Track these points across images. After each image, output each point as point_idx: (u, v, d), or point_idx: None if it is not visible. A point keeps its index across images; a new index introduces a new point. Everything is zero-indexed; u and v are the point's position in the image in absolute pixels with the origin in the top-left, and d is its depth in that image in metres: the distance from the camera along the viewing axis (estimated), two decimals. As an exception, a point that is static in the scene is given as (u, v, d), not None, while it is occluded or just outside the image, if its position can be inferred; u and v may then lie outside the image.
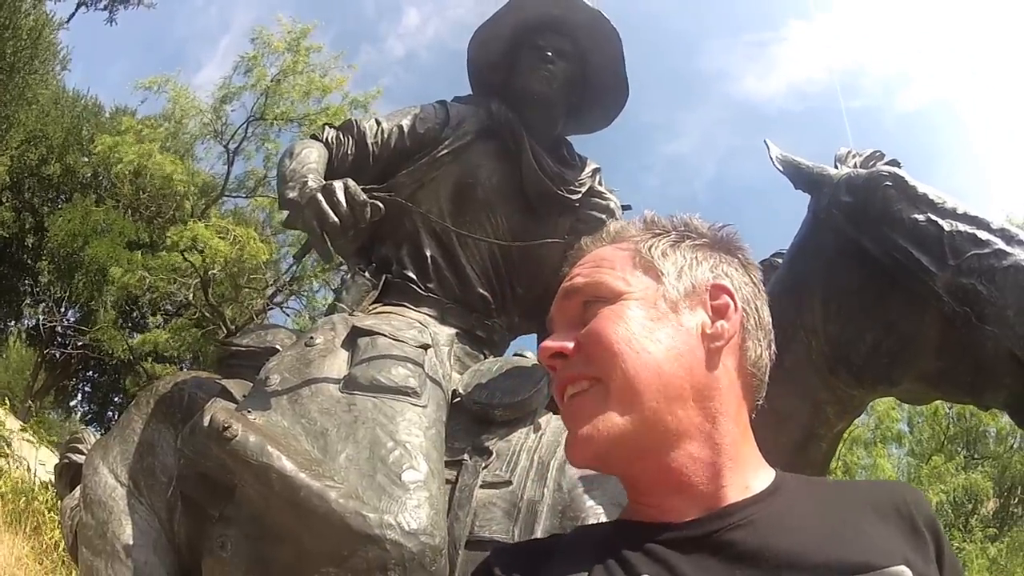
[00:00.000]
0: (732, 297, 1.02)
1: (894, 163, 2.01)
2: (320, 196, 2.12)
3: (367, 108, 15.52)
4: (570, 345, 0.98)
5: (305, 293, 16.59)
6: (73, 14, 16.98)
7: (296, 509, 1.79)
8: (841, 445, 12.94)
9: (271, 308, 17.25)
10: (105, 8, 15.42)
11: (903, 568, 0.87)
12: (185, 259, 14.47)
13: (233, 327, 14.87)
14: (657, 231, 1.07)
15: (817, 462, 1.99)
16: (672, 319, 0.99)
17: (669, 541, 0.90)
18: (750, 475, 0.97)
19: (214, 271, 14.46)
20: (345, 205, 2.10)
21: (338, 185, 2.14)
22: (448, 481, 2.01)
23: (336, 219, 2.09)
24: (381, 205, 2.16)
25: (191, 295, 15.42)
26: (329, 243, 2.13)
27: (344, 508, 1.76)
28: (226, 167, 16.78)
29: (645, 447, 0.94)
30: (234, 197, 17.87)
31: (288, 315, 16.97)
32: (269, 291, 16.61)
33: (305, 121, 15.31)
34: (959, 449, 16.70)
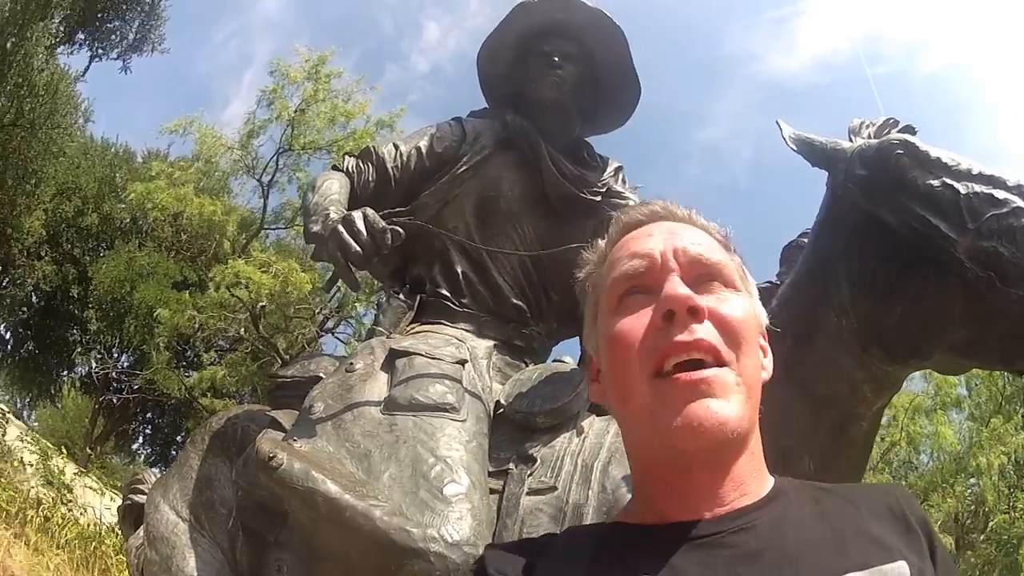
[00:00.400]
0: (767, 343, 1.06)
1: (908, 129, 1.98)
2: (341, 228, 2.18)
3: (393, 127, 15.58)
4: (706, 308, 0.95)
5: (353, 318, 16.65)
6: (88, 67, 17.18)
7: (343, 529, 1.84)
8: (903, 415, 13.00)
9: (322, 335, 17.29)
10: (118, 58, 15.58)
11: (902, 563, 0.89)
12: (232, 295, 14.60)
13: (287, 356, 14.87)
14: (727, 242, 1.09)
15: (859, 442, 1.97)
16: (758, 338, 1.03)
17: (672, 541, 0.91)
18: (758, 484, 0.98)
19: (262, 304, 14.53)
20: (365, 234, 2.16)
21: (357, 215, 2.20)
22: (495, 491, 2.03)
23: (358, 248, 2.15)
24: (400, 230, 2.21)
25: (242, 329, 15.51)
26: (354, 272, 2.20)
27: (388, 524, 1.79)
28: (262, 200, 16.87)
29: (740, 447, 0.95)
30: (274, 229, 17.96)
31: (341, 340, 17.05)
32: (318, 319, 16.64)
33: (333, 147, 15.35)
34: (1017, 408, 16.31)
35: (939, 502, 14.96)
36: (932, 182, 1.76)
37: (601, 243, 1.12)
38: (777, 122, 2.08)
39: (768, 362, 1.05)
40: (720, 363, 0.93)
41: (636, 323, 0.97)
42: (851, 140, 2.01)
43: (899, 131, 1.97)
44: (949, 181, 1.75)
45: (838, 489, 1.04)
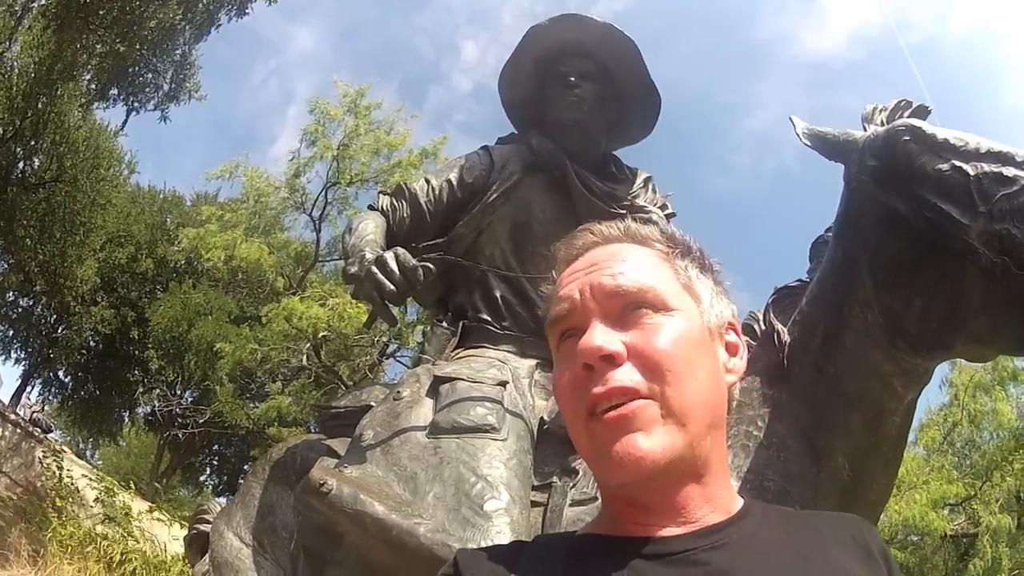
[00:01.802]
0: (739, 336, 1.07)
1: (921, 111, 1.93)
2: (375, 268, 2.27)
3: (437, 156, 15.68)
4: (623, 351, 0.94)
5: (411, 344, 16.64)
6: (125, 121, 17.51)
7: (390, 546, 1.93)
8: (963, 393, 12.88)
9: (385, 360, 17.45)
10: (155, 108, 15.95)
11: None
12: (291, 326, 14.75)
13: (350, 383, 15.05)
14: (678, 246, 1.07)
15: (892, 437, 1.92)
16: (709, 347, 1.01)
17: (645, 556, 0.92)
18: (727, 499, 0.99)
19: (323, 334, 14.71)
20: (398, 273, 2.25)
21: (389, 256, 2.28)
22: (539, 503, 2.10)
23: (392, 287, 2.24)
24: (431, 266, 2.30)
25: (304, 359, 15.66)
26: (391, 308, 2.30)
27: (432, 541, 1.87)
28: (314, 234, 17.09)
29: (684, 472, 0.95)
30: (330, 261, 18.20)
31: (404, 364, 17.05)
32: (379, 345, 16.78)
33: (380, 178, 15.50)
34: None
35: (999, 481, 14.73)
36: (941, 166, 1.71)
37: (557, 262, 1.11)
38: (790, 118, 2.06)
39: (736, 362, 1.05)
40: (650, 396, 0.92)
41: (569, 372, 0.98)
42: (864, 128, 1.97)
43: (911, 112, 1.93)
44: (958, 163, 1.69)
45: (804, 515, 1.09)
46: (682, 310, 0.99)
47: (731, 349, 1.05)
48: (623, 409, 0.91)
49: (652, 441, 0.90)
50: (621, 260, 1.01)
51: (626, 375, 0.93)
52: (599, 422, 0.92)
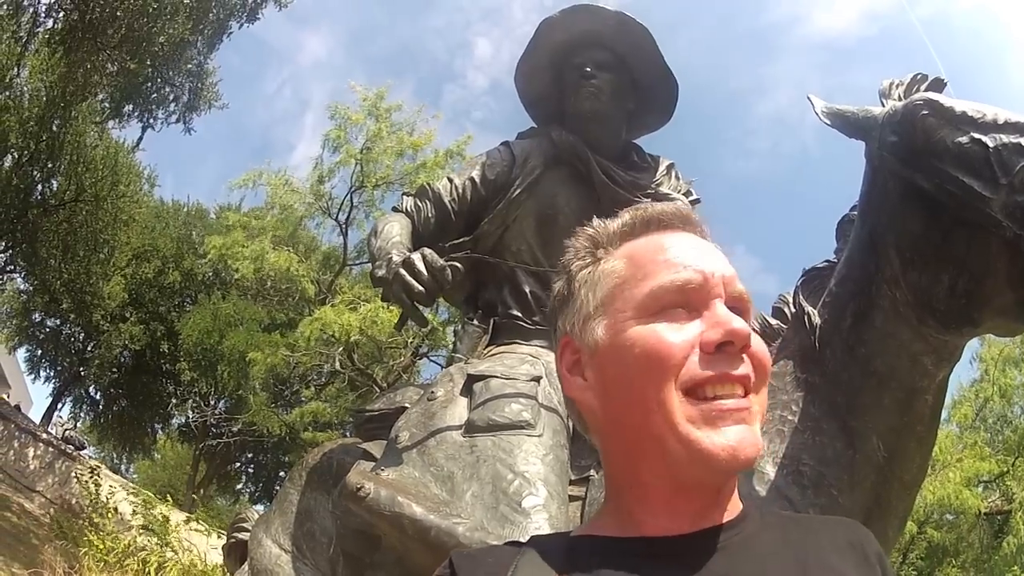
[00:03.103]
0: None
1: (937, 83, 1.91)
2: (403, 270, 2.26)
3: (463, 156, 15.56)
4: (752, 346, 0.95)
5: (444, 343, 16.49)
6: (141, 137, 17.60)
7: (429, 547, 1.92)
8: (993, 368, 12.80)
9: (420, 359, 17.46)
10: (179, 120, 16.06)
11: None
12: (323, 331, 14.71)
13: (384, 385, 15.16)
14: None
15: (924, 416, 1.89)
16: None
17: (643, 556, 0.92)
18: (733, 500, 1.00)
19: (355, 338, 14.67)
20: (426, 274, 2.24)
21: (416, 257, 2.27)
22: (577, 497, 2.11)
23: (421, 288, 2.23)
24: (459, 265, 2.30)
25: (337, 363, 15.70)
26: (421, 310, 2.29)
27: (471, 540, 1.86)
28: (342, 238, 17.14)
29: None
30: (358, 264, 18.18)
31: (437, 363, 17.07)
32: (412, 346, 16.73)
33: (405, 180, 15.46)
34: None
35: None
36: (961, 139, 1.68)
37: (599, 226, 1.08)
38: (808, 97, 2.05)
39: None
40: (748, 394, 0.93)
41: (676, 338, 0.93)
42: (882, 104, 1.95)
43: (928, 86, 1.91)
44: (977, 135, 1.67)
45: (802, 519, 1.10)
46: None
47: None
48: (742, 402, 0.91)
49: (758, 439, 0.91)
50: (726, 260, 1.00)
51: (747, 368, 0.93)
52: (712, 405, 0.90)
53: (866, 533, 1.02)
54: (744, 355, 0.92)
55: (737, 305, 0.96)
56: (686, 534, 0.93)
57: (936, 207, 1.72)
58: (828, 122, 1.99)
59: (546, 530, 1.85)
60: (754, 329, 0.96)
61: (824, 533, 0.99)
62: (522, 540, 1.03)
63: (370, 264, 2.55)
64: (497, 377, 2.28)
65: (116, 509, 13.97)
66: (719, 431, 0.89)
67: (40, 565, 10.22)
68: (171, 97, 16.15)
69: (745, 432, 0.90)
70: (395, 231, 2.58)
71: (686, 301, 0.95)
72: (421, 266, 2.25)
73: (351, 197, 16.56)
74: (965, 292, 1.70)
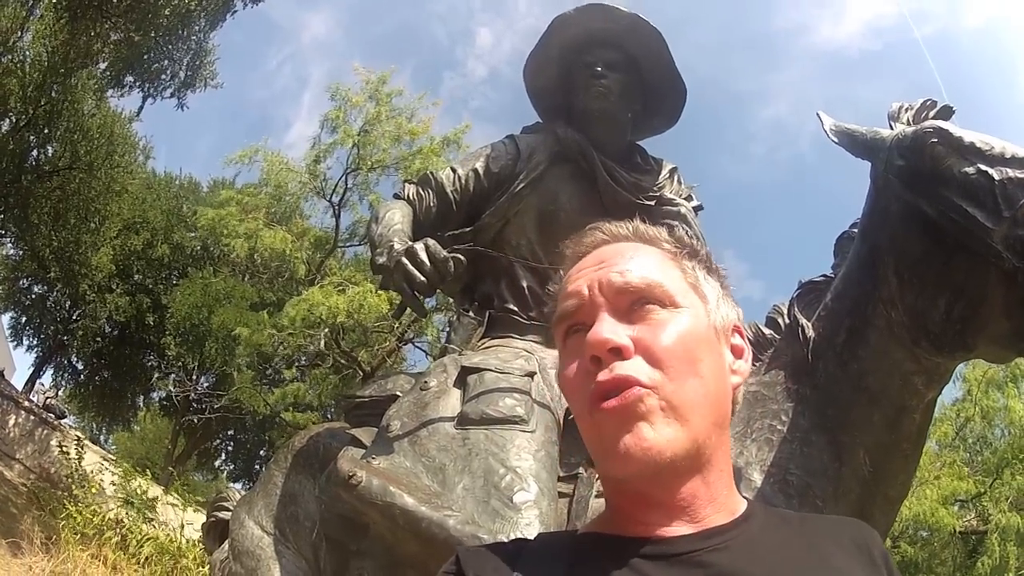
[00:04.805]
0: (744, 340, 1.08)
1: (945, 111, 1.94)
2: (405, 259, 2.26)
3: (460, 144, 15.50)
4: (631, 344, 0.94)
5: (431, 328, 16.33)
6: (141, 108, 17.46)
7: (420, 538, 1.93)
8: (976, 389, 12.85)
9: (404, 345, 17.35)
10: (172, 96, 15.94)
11: None
12: (310, 312, 14.51)
13: (368, 369, 15.15)
14: (685, 248, 1.08)
15: (911, 435, 1.94)
16: (715, 346, 1.01)
17: (648, 556, 0.92)
18: (731, 501, 0.99)
19: (341, 320, 14.56)
20: (429, 264, 2.24)
21: (419, 247, 2.27)
22: (565, 494, 2.11)
23: (423, 279, 2.23)
24: (462, 258, 2.30)
25: (323, 345, 15.52)
26: (421, 299, 2.28)
27: (462, 533, 1.87)
28: (334, 220, 17.00)
29: (689, 468, 0.94)
30: (350, 246, 18.11)
31: (422, 350, 17.03)
32: (397, 331, 16.57)
33: (401, 166, 15.37)
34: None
35: (1009, 479, 14.52)
36: (967, 169, 1.73)
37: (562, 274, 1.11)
38: (818, 114, 2.07)
39: (741, 364, 1.06)
40: (655, 388, 0.92)
41: (576, 365, 0.98)
42: (891, 127, 1.98)
43: (936, 113, 1.94)
44: (983, 167, 1.71)
45: (806, 518, 1.08)
46: (689, 307, 1.00)
47: (736, 352, 1.05)
48: (624, 396, 0.91)
49: (657, 433, 0.90)
50: (629, 257, 1.02)
51: (632, 367, 0.93)
52: (601, 412, 0.92)
53: (872, 533, 1.03)
54: (630, 357, 0.93)
55: (632, 298, 0.98)
56: (688, 534, 0.94)
57: (938, 233, 1.76)
58: (836, 140, 2.02)
59: (536, 526, 1.87)
60: (672, 304, 0.99)
61: (829, 532, 1.00)
62: (513, 536, 1.09)
63: (370, 250, 2.55)
64: (492, 370, 2.28)
65: (96, 478, 13.93)
66: (626, 434, 0.90)
67: (19, 535, 10.18)
68: (168, 72, 16.01)
69: (635, 433, 0.90)
70: (397, 218, 2.58)
71: (579, 323, 1.00)
72: (424, 256, 2.25)
73: (346, 179, 16.43)
74: (961, 318, 1.74)
